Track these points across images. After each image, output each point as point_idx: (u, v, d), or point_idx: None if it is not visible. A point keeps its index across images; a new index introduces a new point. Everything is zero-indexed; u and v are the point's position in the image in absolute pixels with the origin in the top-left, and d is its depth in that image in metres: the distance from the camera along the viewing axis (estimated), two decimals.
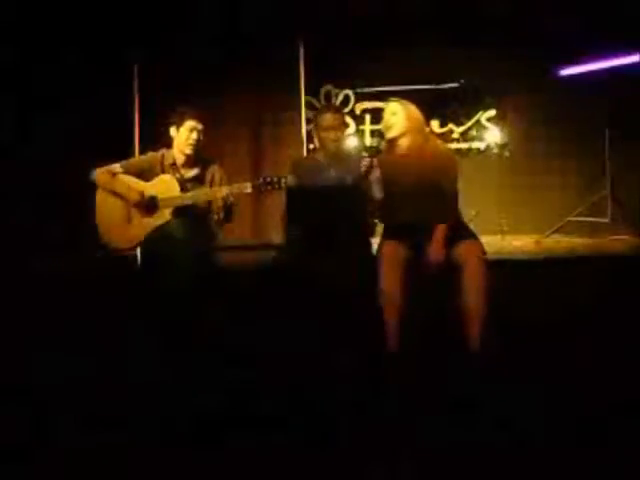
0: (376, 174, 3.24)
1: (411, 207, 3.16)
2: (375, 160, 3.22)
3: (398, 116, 3.22)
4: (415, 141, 3.23)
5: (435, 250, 3.07)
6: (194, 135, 3.48)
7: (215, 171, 3.57)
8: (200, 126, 3.49)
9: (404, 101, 3.29)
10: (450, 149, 3.60)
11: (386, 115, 3.27)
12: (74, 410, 2.66)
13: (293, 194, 3.34)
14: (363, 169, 3.21)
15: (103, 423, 2.55)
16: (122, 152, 4.27)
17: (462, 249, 3.06)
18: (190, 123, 3.48)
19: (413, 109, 3.27)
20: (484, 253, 3.06)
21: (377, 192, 3.26)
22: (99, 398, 2.75)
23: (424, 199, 3.13)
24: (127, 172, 3.53)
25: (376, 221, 3.46)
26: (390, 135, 3.24)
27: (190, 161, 3.54)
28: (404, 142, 3.23)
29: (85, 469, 2.27)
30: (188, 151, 3.50)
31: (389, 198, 3.24)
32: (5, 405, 2.73)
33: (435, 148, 3.29)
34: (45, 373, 3.02)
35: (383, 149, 3.27)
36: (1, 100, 4.77)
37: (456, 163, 3.30)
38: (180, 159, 3.53)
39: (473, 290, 2.96)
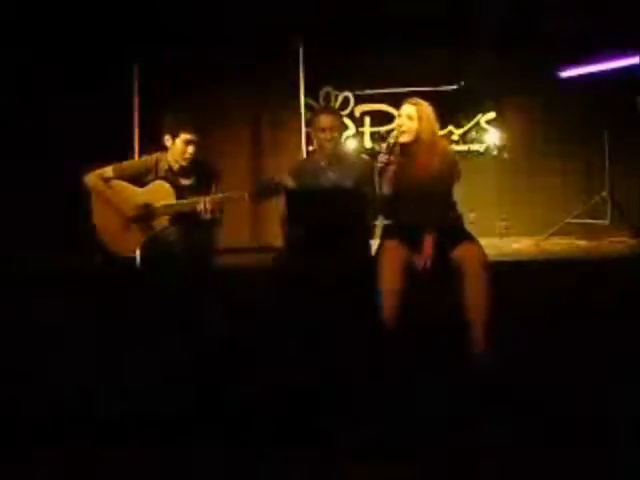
0: (390, 172, 3.21)
1: (415, 208, 3.17)
2: (392, 157, 3.20)
3: (414, 122, 3.20)
4: (425, 145, 3.22)
5: (423, 259, 3.08)
6: (190, 149, 3.43)
7: (212, 181, 3.52)
8: (195, 137, 3.43)
9: (421, 103, 3.26)
10: (454, 151, 3.60)
11: (402, 118, 3.23)
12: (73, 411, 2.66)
13: (292, 196, 3.35)
14: (380, 165, 3.19)
15: (103, 425, 2.56)
16: (122, 152, 4.27)
17: (461, 251, 3.07)
18: (185, 136, 3.42)
19: (429, 112, 3.24)
20: (483, 253, 3.07)
21: (387, 189, 3.23)
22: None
23: (427, 201, 3.15)
24: (120, 176, 3.50)
25: (377, 222, 3.47)
26: (403, 140, 3.22)
27: (186, 170, 3.51)
28: (415, 146, 3.23)
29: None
30: (184, 163, 3.46)
31: (395, 198, 3.24)
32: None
33: (443, 151, 3.29)
34: (47, 373, 3.02)
35: (395, 150, 3.23)
36: (1, 100, 4.77)
37: (456, 166, 3.31)
38: (176, 166, 3.50)
39: (475, 291, 2.97)
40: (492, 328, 2.94)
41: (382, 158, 3.20)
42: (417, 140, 3.22)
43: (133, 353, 3.08)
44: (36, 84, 4.87)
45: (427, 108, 3.25)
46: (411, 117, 3.21)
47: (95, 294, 3.51)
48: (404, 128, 3.21)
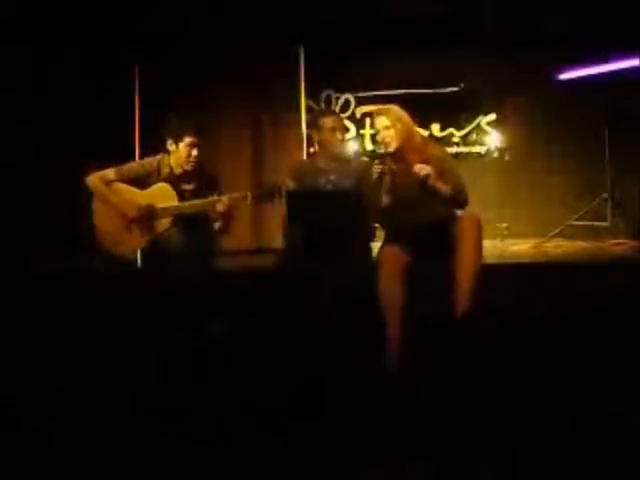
0: (387, 182, 3.22)
1: (415, 212, 3.17)
2: (386, 167, 3.21)
3: (391, 131, 3.21)
4: (410, 148, 3.23)
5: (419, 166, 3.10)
6: (194, 152, 3.42)
7: (213, 186, 3.50)
8: (199, 140, 3.42)
9: (389, 109, 3.26)
10: (443, 149, 3.60)
11: (380, 131, 3.24)
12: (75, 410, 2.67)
13: (293, 198, 3.35)
14: (375, 176, 3.19)
15: (103, 424, 2.56)
16: (122, 153, 4.27)
17: (460, 222, 3.09)
18: (189, 139, 3.40)
19: (401, 115, 3.25)
20: (480, 224, 3.08)
21: (385, 199, 3.23)
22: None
23: (428, 201, 3.15)
24: (121, 179, 3.49)
25: (377, 225, 3.47)
26: (389, 150, 3.23)
27: (188, 175, 3.49)
28: (401, 152, 3.23)
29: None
30: (188, 168, 3.45)
31: (392, 204, 3.24)
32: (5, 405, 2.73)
33: (431, 150, 3.29)
34: (46, 374, 3.02)
35: (387, 159, 3.24)
36: (1, 100, 4.77)
37: (447, 160, 3.33)
38: (178, 170, 3.49)
39: (466, 254, 2.99)
40: (489, 329, 2.95)
41: (377, 169, 3.20)
42: (401, 145, 3.22)
43: (134, 354, 3.09)
44: (36, 84, 4.88)
45: (398, 112, 3.25)
46: (386, 126, 3.22)
47: (96, 296, 3.52)
48: (386, 139, 3.22)
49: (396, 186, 3.21)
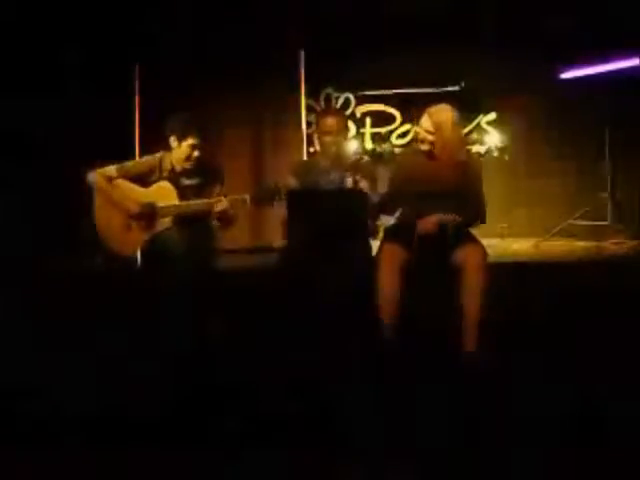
0: (366, 188, 3.33)
1: (427, 210, 3.16)
2: (357, 177, 3.33)
3: (430, 135, 3.21)
4: (443, 154, 3.23)
5: (424, 221, 3.11)
6: (195, 153, 3.44)
7: (215, 182, 3.52)
8: (201, 142, 3.44)
9: (436, 114, 3.24)
10: (475, 156, 3.62)
11: (421, 130, 3.24)
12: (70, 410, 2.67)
13: (294, 197, 3.35)
14: (352, 185, 3.31)
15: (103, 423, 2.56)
16: (122, 152, 4.27)
17: (463, 253, 3.07)
18: (192, 141, 3.42)
19: (444, 124, 3.20)
20: (485, 256, 3.07)
21: (376, 198, 3.31)
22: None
23: (441, 204, 3.15)
24: (123, 176, 3.49)
25: (378, 223, 3.48)
26: (422, 149, 3.26)
27: (189, 171, 3.50)
28: (433, 153, 3.25)
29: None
30: (188, 166, 3.47)
31: (405, 197, 3.26)
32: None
33: (461, 159, 3.28)
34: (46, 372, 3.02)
35: (406, 151, 3.29)
36: (1, 100, 4.77)
37: (479, 170, 3.34)
38: (179, 167, 3.50)
39: (471, 293, 2.98)
40: (484, 330, 2.96)
41: (349, 181, 3.34)
42: (433, 149, 3.23)
43: (133, 353, 3.09)
44: (37, 84, 4.88)
45: (442, 117, 3.22)
46: (427, 129, 3.22)
47: (95, 294, 3.52)
48: (425, 140, 3.24)
49: (412, 177, 3.25)
